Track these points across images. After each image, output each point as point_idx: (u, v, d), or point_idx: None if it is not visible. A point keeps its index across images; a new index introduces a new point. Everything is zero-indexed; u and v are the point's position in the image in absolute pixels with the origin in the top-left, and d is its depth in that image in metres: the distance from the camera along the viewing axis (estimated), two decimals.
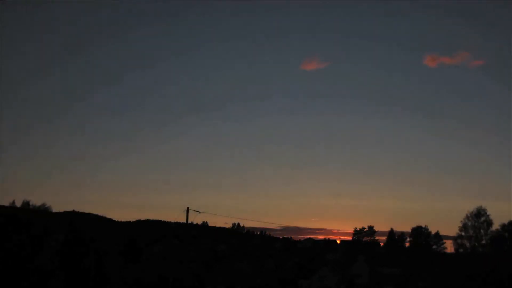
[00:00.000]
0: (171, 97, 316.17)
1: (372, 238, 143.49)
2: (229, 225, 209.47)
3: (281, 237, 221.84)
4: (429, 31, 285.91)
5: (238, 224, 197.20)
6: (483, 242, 77.38)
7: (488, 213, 78.26)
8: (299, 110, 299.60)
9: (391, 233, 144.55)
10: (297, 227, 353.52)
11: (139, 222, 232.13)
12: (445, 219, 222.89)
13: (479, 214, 77.98)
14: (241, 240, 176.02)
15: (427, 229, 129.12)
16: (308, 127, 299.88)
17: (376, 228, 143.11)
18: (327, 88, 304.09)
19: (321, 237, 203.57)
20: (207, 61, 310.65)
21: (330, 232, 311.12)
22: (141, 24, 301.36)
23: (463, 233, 78.08)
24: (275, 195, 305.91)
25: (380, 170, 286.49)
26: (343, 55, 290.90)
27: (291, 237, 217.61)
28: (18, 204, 63.73)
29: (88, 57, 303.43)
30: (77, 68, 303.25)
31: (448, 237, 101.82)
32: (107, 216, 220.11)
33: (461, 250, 78.52)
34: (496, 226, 77.93)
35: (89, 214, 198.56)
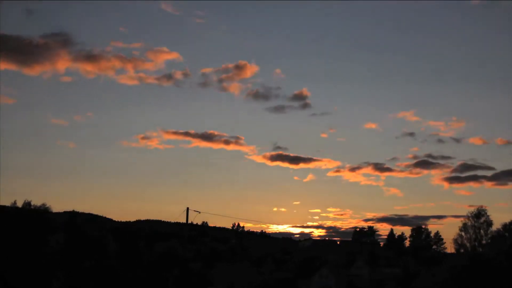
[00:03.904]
0: None
1: (372, 238, 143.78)
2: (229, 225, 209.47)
3: (281, 237, 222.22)
4: None
5: (238, 224, 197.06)
6: (484, 242, 77.47)
7: (488, 213, 78.40)
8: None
9: (391, 233, 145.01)
10: (297, 226, 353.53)
11: (139, 222, 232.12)
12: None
13: (479, 215, 78.05)
14: (241, 240, 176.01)
15: (427, 229, 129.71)
16: (307, 127, 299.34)
17: (376, 228, 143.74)
18: None
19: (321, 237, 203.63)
20: None
21: (330, 232, 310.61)
22: None
23: (463, 234, 78.19)
24: (274, 195, 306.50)
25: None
26: None
27: (291, 237, 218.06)
28: (20, 204, 63.96)
29: None
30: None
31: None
32: (107, 216, 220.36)
33: (461, 250, 78.63)
34: (497, 225, 78.13)
35: (89, 214, 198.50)
